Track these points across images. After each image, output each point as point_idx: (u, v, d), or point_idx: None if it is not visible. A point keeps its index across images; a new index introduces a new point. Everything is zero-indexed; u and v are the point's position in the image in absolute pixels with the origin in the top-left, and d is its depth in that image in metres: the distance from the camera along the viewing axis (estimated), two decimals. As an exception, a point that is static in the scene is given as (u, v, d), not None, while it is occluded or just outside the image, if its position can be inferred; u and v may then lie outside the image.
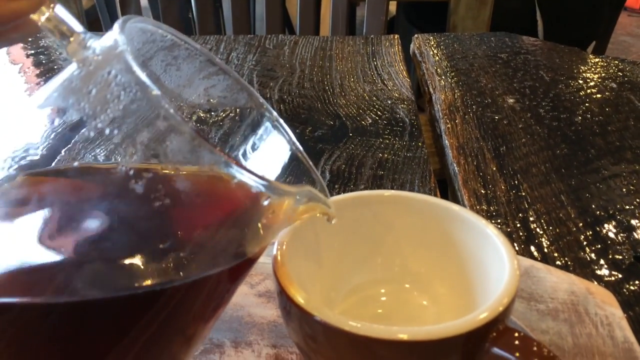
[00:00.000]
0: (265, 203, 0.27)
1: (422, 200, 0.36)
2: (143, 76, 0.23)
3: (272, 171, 0.32)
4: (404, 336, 0.27)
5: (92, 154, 0.27)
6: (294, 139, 0.32)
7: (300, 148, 0.32)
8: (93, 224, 0.26)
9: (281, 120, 0.33)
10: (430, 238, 0.35)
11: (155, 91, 0.23)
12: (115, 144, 0.25)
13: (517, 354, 0.28)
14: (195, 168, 0.25)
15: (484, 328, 0.28)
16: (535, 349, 0.27)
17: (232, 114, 0.33)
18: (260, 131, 0.33)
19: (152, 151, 0.24)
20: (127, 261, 0.25)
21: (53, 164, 0.27)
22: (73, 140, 0.26)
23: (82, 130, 0.25)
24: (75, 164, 0.27)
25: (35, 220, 0.25)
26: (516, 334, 0.28)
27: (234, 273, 0.29)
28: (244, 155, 0.33)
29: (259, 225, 0.28)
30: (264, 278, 0.42)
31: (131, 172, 0.25)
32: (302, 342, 0.32)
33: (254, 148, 0.33)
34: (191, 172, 0.26)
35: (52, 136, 0.27)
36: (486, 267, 0.33)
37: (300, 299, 0.29)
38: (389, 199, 0.36)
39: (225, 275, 0.28)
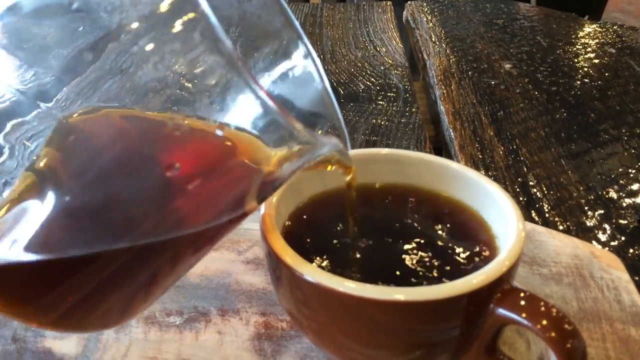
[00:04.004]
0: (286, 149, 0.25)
1: (420, 159, 0.34)
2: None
3: (294, 106, 0.29)
4: (400, 297, 0.25)
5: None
6: (324, 77, 0.29)
7: (329, 89, 0.29)
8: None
9: (315, 55, 0.29)
10: (430, 197, 0.33)
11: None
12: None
13: (524, 315, 0.26)
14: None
15: (488, 288, 0.26)
16: (543, 308, 0.25)
17: (263, 37, 0.30)
18: (290, 62, 0.29)
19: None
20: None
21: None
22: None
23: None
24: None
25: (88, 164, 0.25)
26: (522, 294, 0.26)
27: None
28: (267, 82, 0.30)
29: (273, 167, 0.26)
30: (252, 245, 0.40)
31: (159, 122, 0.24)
32: (293, 308, 0.30)
33: (281, 78, 0.30)
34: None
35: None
36: (489, 225, 0.31)
37: (290, 259, 0.27)
38: (386, 158, 0.34)
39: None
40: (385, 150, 0.34)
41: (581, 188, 0.49)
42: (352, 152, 0.34)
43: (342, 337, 0.29)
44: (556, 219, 0.45)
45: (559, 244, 0.39)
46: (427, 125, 0.62)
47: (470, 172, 0.32)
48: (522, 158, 0.53)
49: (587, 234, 0.44)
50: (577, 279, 0.36)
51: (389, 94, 0.66)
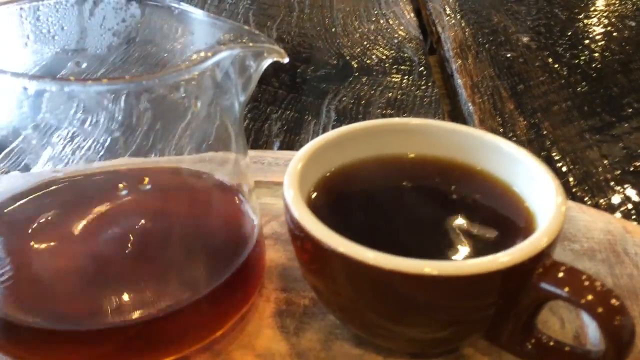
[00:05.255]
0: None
1: (452, 129, 0.32)
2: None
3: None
4: (436, 271, 0.24)
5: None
6: None
7: None
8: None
9: None
10: (463, 169, 0.31)
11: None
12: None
13: (567, 289, 0.24)
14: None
15: (530, 261, 0.24)
16: (587, 283, 0.24)
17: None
18: None
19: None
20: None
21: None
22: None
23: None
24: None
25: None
26: (563, 268, 0.25)
27: None
28: None
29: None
30: (270, 219, 0.38)
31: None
32: (319, 282, 0.28)
33: None
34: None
35: None
36: (524, 198, 0.29)
37: (316, 230, 0.25)
38: (417, 128, 0.32)
39: None
40: (416, 120, 0.32)
41: (606, 162, 0.47)
42: (382, 121, 0.32)
43: (370, 313, 0.27)
44: (583, 194, 0.44)
45: (590, 219, 0.37)
46: (442, 99, 0.60)
47: (505, 143, 0.31)
48: (544, 132, 0.51)
49: (615, 209, 0.42)
50: (610, 254, 0.35)
51: (402, 67, 0.64)
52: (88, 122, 0.26)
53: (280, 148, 0.50)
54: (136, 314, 0.27)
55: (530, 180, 0.29)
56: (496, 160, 0.30)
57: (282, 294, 0.33)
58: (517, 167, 0.30)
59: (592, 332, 0.30)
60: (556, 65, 0.63)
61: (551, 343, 0.26)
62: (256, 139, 0.51)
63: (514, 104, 0.55)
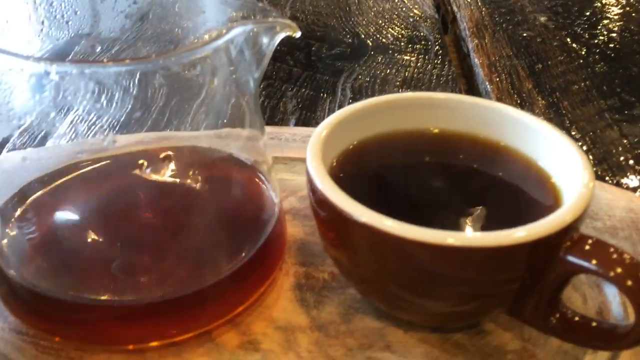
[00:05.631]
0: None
1: (476, 104, 0.31)
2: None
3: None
4: (456, 242, 0.23)
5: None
6: None
7: None
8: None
9: None
10: (488, 144, 0.31)
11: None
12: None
13: (595, 262, 0.24)
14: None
15: (556, 235, 0.24)
16: (615, 255, 0.24)
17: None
18: None
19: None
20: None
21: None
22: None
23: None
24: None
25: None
26: (590, 241, 0.24)
27: None
28: None
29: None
30: (288, 195, 0.38)
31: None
32: (341, 254, 0.28)
33: None
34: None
35: None
36: (550, 174, 0.29)
37: (339, 200, 0.25)
38: (440, 102, 0.31)
39: None
40: (441, 94, 0.32)
41: (626, 142, 0.47)
42: (407, 95, 0.32)
43: (392, 285, 0.27)
44: (604, 174, 0.43)
45: (612, 197, 0.37)
46: (458, 79, 0.59)
47: (530, 118, 0.30)
48: (563, 111, 0.50)
49: (636, 189, 0.41)
50: (633, 232, 0.34)
51: (417, 46, 0.63)
52: (107, 102, 0.26)
53: (296, 125, 0.49)
54: (163, 290, 0.27)
55: (557, 155, 0.28)
56: (521, 135, 0.30)
57: (301, 268, 0.32)
58: (542, 142, 0.29)
59: (615, 307, 0.30)
60: (574, 45, 0.62)
61: (576, 318, 0.26)
62: (272, 117, 0.50)
63: (532, 83, 0.55)
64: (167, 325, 0.27)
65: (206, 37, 0.25)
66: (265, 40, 0.28)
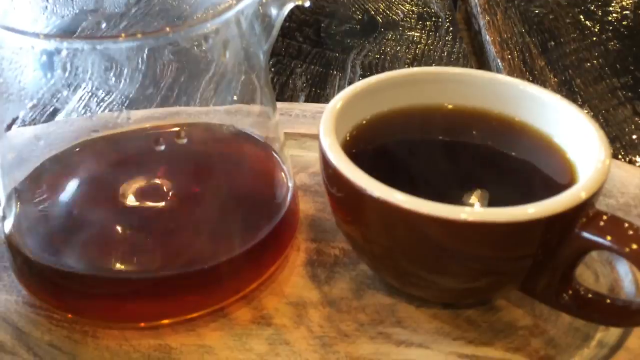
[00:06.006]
0: None
1: (491, 79, 0.31)
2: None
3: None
4: (469, 217, 0.23)
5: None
6: None
7: None
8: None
9: None
10: (503, 120, 0.30)
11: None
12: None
13: (610, 238, 0.24)
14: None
15: (571, 212, 0.24)
16: (630, 232, 0.23)
17: None
18: None
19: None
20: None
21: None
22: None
23: None
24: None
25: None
26: (605, 217, 0.24)
27: None
28: None
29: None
30: (298, 171, 0.37)
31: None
32: (353, 229, 0.28)
33: None
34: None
35: None
36: (565, 150, 0.29)
37: (352, 174, 0.25)
38: (455, 77, 0.31)
39: None
40: (456, 69, 0.31)
41: (639, 120, 0.46)
42: (421, 70, 0.31)
43: (405, 261, 0.27)
44: (615, 151, 0.43)
45: (625, 174, 0.37)
46: (469, 57, 0.58)
47: (546, 93, 0.30)
48: (576, 89, 0.50)
49: (649, 168, 0.41)
50: (646, 210, 0.34)
51: (428, 23, 0.62)
52: (116, 78, 0.26)
53: (306, 102, 0.49)
54: (177, 267, 0.27)
55: (572, 131, 0.28)
56: (537, 111, 0.30)
57: (312, 244, 0.32)
58: (558, 118, 0.29)
59: (628, 284, 0.29)
60: (587, 22, 0.61)
61: (590, 295, 0.26)
62: (281, 93, 0.50)
63: (544, 61, 0.54)
64: (181, 302, 0.27)
65: (217, 8, 0.25)
66: (274, 10, 0.28)
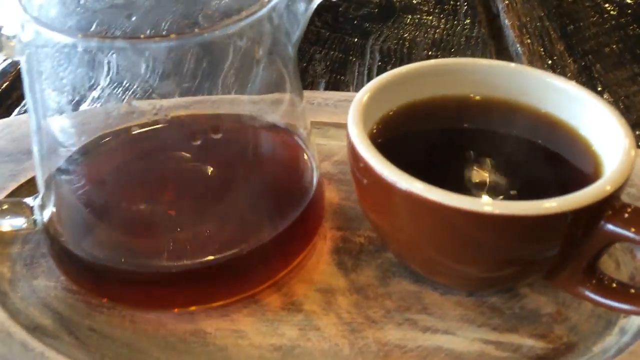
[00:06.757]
0: None
1: (518, 70, 0.31)
2: None
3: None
4: (495, 210, 0.24)
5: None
6: None
7: None
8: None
9: None
10: (528, 111, 0.31)
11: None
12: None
13: (633, 229, 0.24)
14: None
15: (596, 205, 0.24)
16: (654, 224, 0.24)
17: None
18: None
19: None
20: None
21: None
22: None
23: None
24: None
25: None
26: (629, 209, 0.25)
27: None
28: None
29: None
30: (322, 160, 0.38)
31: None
32: (380, 218, 0.29)
33: None
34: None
35: None
36: (591, 142, 0.29)
37: (380, 166, 0.25)
38: (482, 68, 0.31)
39: None
40: (483, 61, 0.32)
41: (659, 107, 0.46)
42: (447, 61, 0.32)
43: (430, 250, 0.28)
44: (635, 138, 0.43)
45: (646, 164, 0.37)
46: (488, 41, 0.58)
47: (572, 85, 0.30)
48: (595, 75, 0.50)
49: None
50: (666, 199, 0.35)
51: (446, 7, 0.62)
52: (154, 74, 0.26)
53: (326, 88, 0.49)
54: (211, 256, 0.28)
55: (598, 123, 0.28)
56: (562, 103, 0.30)
57: (338, 232, 0.33)
58: (584, 110, 0.29)
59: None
60: (607, 6, 0.61)
61: (614, 285, 0.26)
62: (302, 80, 0.50)
63: (563, 46, 0.54)
64: (215, 289, 0.28)
65: (251, 8, 0.25)
66: (301, 7, 0.28)
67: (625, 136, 0.27)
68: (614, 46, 0.54)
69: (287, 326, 0.28)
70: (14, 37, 0.25)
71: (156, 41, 0.23)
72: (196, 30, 0.23)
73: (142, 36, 0.23)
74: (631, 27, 0.57)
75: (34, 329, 0.28)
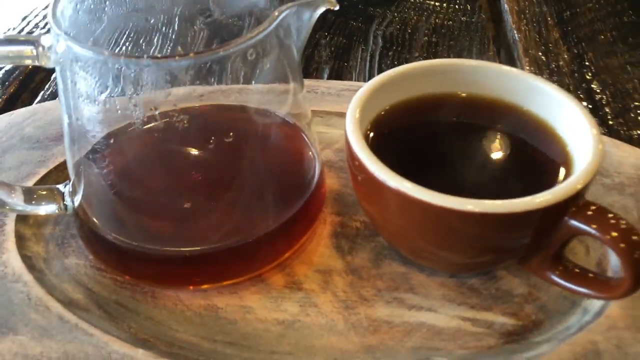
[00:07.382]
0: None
1: (503, 71, 0.34)
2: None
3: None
4: (475, 208, 0.27)
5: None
6: None
7: None
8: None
9: None
10: (509, 110, 0.34)
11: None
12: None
13: (594, 226, 0.27)
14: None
15: (564, 202, 0.27)
16: (612, 221, 0.27)
17: None
18: None
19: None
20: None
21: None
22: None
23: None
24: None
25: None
26: (592, 207, 0.28)
27: None
28: None
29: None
30: (324, 147, 0.41)
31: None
32: (372, 210, 0.32)
33: None
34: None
35: None
36: (566, 141, 0.32)
37: (372, 165, 0.29)
38: (469, 69, 0.34)
39: None
40: (472, 62, 0.34)
41: (646, 96, 0.49)
42: (438, 62, 0.35)
43: (418, 240, 0.31)
44: (620, 128, 0.46)
45: (623, 154, 0.40)
46: (487, 24, 0.61)
47: (551, 86, 0.33)
48: (587, 63, 0.52)
49: (649, 144, 0.44)
50: (639, 189, 0.38)
51: (449, -10, 0.64)
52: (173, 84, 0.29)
53: (330, 75, 0.52)
54: (223, 239, 0.31)
55: (573, 124, 0.31)
56: (540, 101, 0.33)
57: (337, 217, 0.37)
58: (561, 111, 0.32)
59: (614, 259, 0.33)
60: (605, -9, 0.63)
61: (576, 270, 0.30)
62: (307, 67, 0.53)
63: (559, 33, 0.56)
64: (225, 269, 0.32)
65: (261, 26, 0.28)
66: (307, 15, 0.31)
67: (595, 135, 0.30)
68: (608, 34, 0.56)
69: (289, 303, 0.32)
70: (49, 47, 0.28)
71: (176, 60, 0.26)
72: (213, 47, 0.26)
73: (161, 56, 0.26)
74: (626, 15, 0.59)
75: (69, 303, 0.32)
